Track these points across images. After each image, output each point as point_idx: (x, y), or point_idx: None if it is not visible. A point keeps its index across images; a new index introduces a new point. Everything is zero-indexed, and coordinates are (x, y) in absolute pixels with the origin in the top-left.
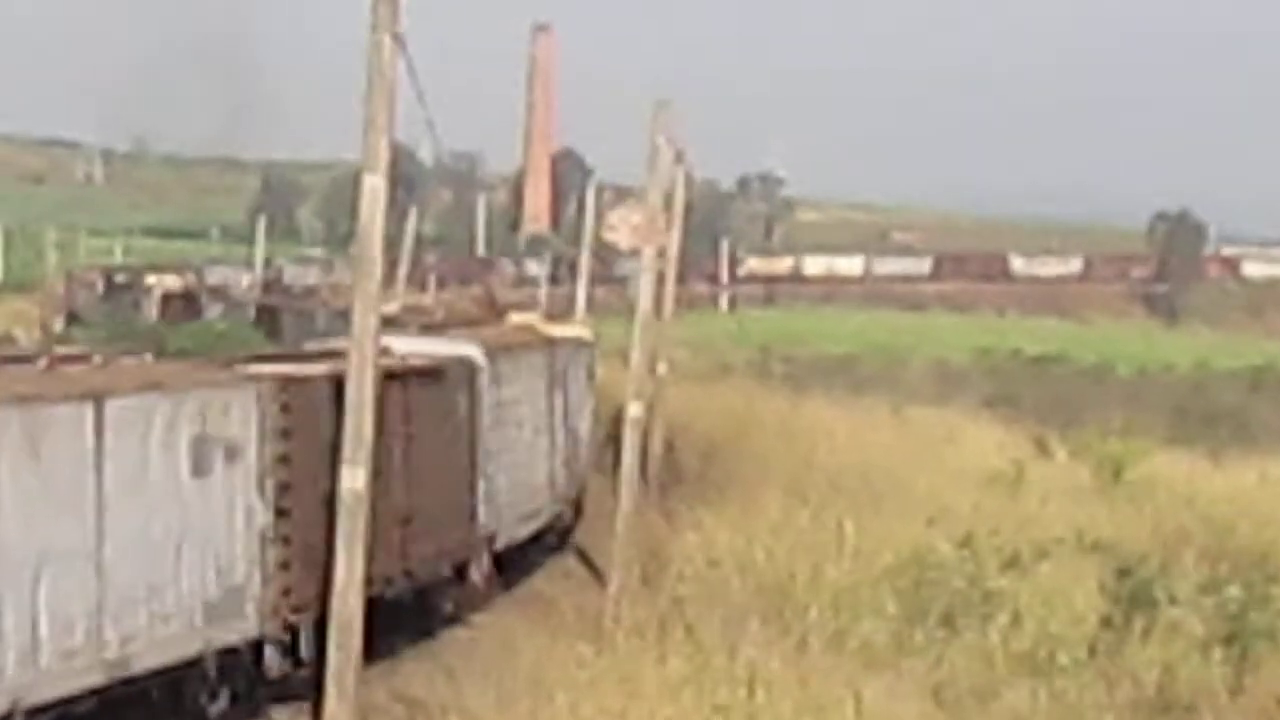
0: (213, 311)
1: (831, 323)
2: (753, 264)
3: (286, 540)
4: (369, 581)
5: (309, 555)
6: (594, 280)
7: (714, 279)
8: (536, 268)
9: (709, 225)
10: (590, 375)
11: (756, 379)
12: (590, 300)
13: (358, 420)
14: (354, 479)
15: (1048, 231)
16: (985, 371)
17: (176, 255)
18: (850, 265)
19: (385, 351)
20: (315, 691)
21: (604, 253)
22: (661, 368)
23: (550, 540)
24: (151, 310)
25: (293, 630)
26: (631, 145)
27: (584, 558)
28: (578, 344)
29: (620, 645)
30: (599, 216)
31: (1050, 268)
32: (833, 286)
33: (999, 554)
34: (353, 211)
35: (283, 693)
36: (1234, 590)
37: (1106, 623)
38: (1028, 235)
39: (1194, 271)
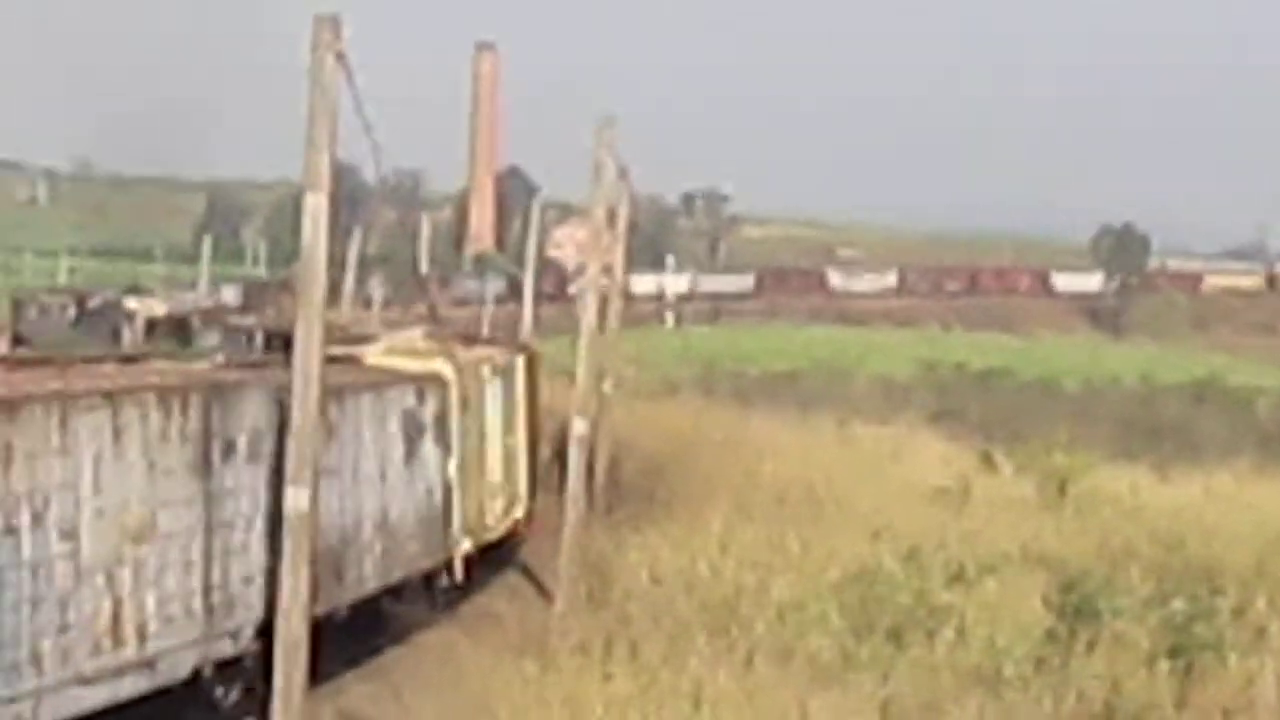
0: (207, 339)
1: (776, 339)
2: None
3: None
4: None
5: None
6: (544, 298)
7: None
8: (478, 286)
9: (654, 242)
10: (438, 419)
11: (702, 396)
12: (538, 319)
13: (301, 440)
14: (298, 499)
15: (987, 245)
16: (930, 387)
17: (126, 276)
18: (678, 283)
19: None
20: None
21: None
22: (607, 385)
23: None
24: (135, 335)
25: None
26: (576, 163)
27: (530, 575)
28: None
29: (565, 663)
30: (544, 234)
31: (866, 283)
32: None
33: (945, 568)
34: (296, 231)
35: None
36: (1179, 603)
37: (1052, 636)
38: (967, 249)
39: (1141, 284)
